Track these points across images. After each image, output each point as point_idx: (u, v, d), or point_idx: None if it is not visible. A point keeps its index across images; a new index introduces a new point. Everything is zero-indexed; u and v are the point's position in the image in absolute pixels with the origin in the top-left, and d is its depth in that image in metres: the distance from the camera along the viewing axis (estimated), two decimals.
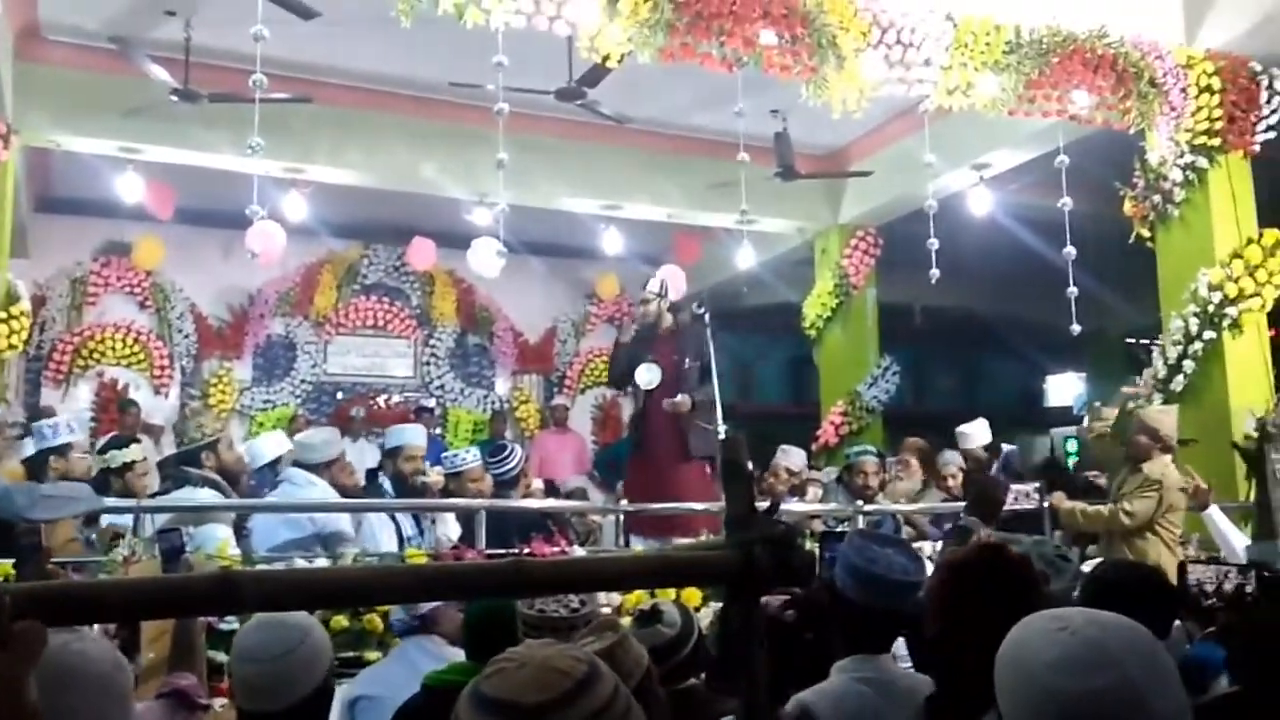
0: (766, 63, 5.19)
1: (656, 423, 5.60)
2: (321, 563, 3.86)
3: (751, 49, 5.12)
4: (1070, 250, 6.27)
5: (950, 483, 5.97)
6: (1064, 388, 13.22)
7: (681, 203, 8.34)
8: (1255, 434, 5.16)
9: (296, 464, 4.57)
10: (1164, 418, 4.80)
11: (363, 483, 4.88)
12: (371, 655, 3.46)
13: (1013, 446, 6.27)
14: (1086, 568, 3.05)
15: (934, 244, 6.46)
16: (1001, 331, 11.81)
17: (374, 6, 4.72)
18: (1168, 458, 4.69)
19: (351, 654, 3.41)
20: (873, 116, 6.52)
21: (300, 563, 3.78)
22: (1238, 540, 4.05)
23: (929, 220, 6.57)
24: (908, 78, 5.47)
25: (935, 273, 6.36)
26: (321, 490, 4.43)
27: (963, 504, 4.48)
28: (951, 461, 6.08)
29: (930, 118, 6.14)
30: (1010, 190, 7.70)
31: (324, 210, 7.78)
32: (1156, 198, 6.16)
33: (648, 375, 5.49)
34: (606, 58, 5.05)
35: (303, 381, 9.66)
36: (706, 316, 5.58)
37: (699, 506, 5.06)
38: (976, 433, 6.24)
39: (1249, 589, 2.82)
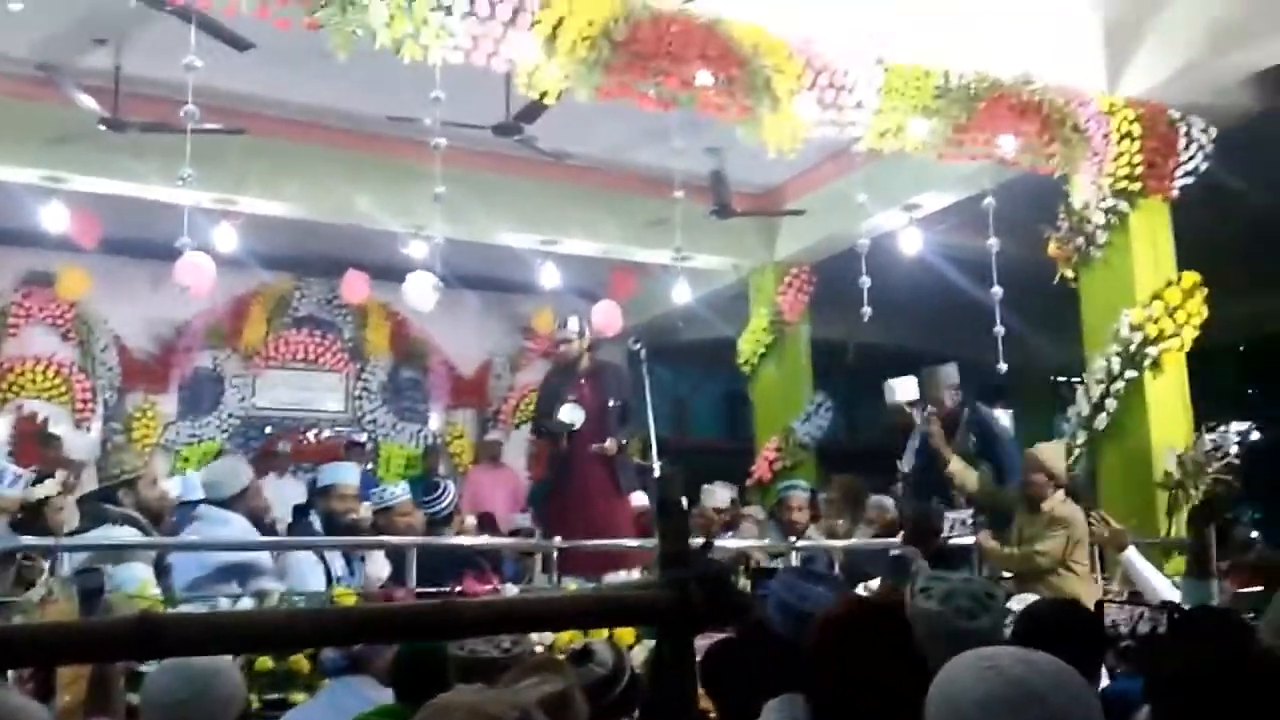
0: (702, 103, 5.27)
1: (583, 461, 5.63)
2: (247, 603, 3.77)
3: (688, 89, 5.20)
4: (997, 290, 6.42)
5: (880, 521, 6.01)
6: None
7: (618, 238, 8.40)
8: (1178, 471, 5.33)
9: (208, 501, 4.45)
10: (1053, 455, 4.87)
11: (289, 518, 4.79)
12: (298, 697, 3.38)
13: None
14: (1015, 605, 3.11)
15: (866, 282, 6.59)
16: None
17: (310, 39, 4.70)
18: (1062, 493, 4.78)
19: (277, 695, 3.33)
20: (807, 157, 6.64)
21: (225, 603, 3.69)
22: (1158, 581, 4.14)
23: (861, 259, 6.69)
24: (840, 120, 5.59)
25: (867, 310, 6.48)
26: (239, 526, 4.32)
27: (894, 540, 4.56)
28: (879, 506, 6.10)
29: (862, 159, 6.28)
30: (940, 231, 7.88)
31: (255, 242, 7.67)
32: (1080, 240, 6.36)
33: (572, 415, 5.53)
34: (544, 94, 5.09)
35: (230, 416, 9.47)
36: (643, 353, 5.63)
37: (633, 543, 5.06)
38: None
39: (1160, 629, 2.90)
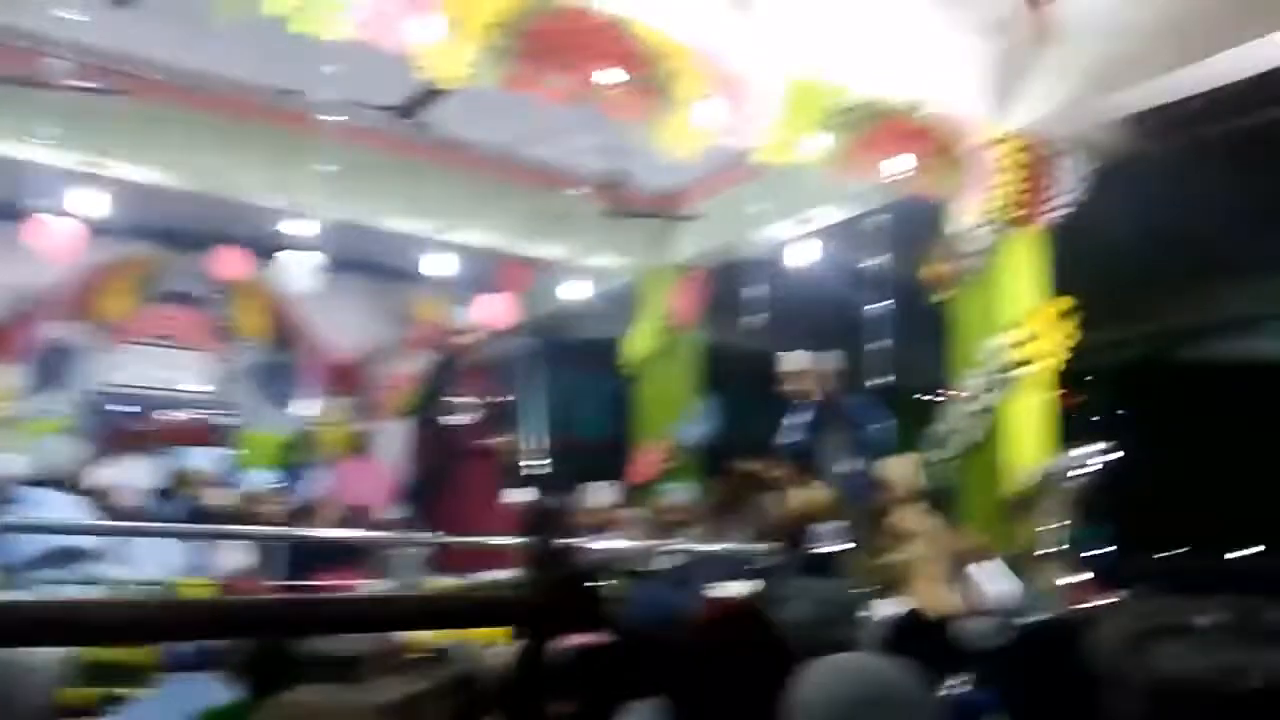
0: (604, 101, 5.29)
1: (466, 455, 5.60)
2: (83, 591, 3.62)
3: (591, 86, 5.21)
4: (880, 305, 6.64)
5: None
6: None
7: (513, 231, 8.34)
8: (1033, 488, 5.60)
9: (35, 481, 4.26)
10: (900, 470, 5.10)
11: (142, 502, 4.62)
12: (139, 692, 3.26)
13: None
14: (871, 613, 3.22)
15: (758, 291, 6.72)
16: None
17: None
18: (910, 507, 4.99)
19: (117, 690, 3.20)
20: (706, 163, 6.73)
21: (68, 590, 3.54)
22: (1010, 593, 4.36)
23: (755, 267, 6.82)
24: (741, 129, 5.67)
25: (756, 318, 6.62)
26: (66, 507, 4.13)
27: (765, 545, 4.68)
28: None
29: (761, 170, 6.40)
30: (832, 245, 8.09)
31: (124, 209, 7.35)
32: (956, 263, 6.62)
33: (461, 407, 5.51)
34: (445, 80, 5.03)
35: (86, 392, 9.05)
36: (533, 349, 5.64)
37: (502, 541, 5.06)
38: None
39: (1011, 641, 3.05)
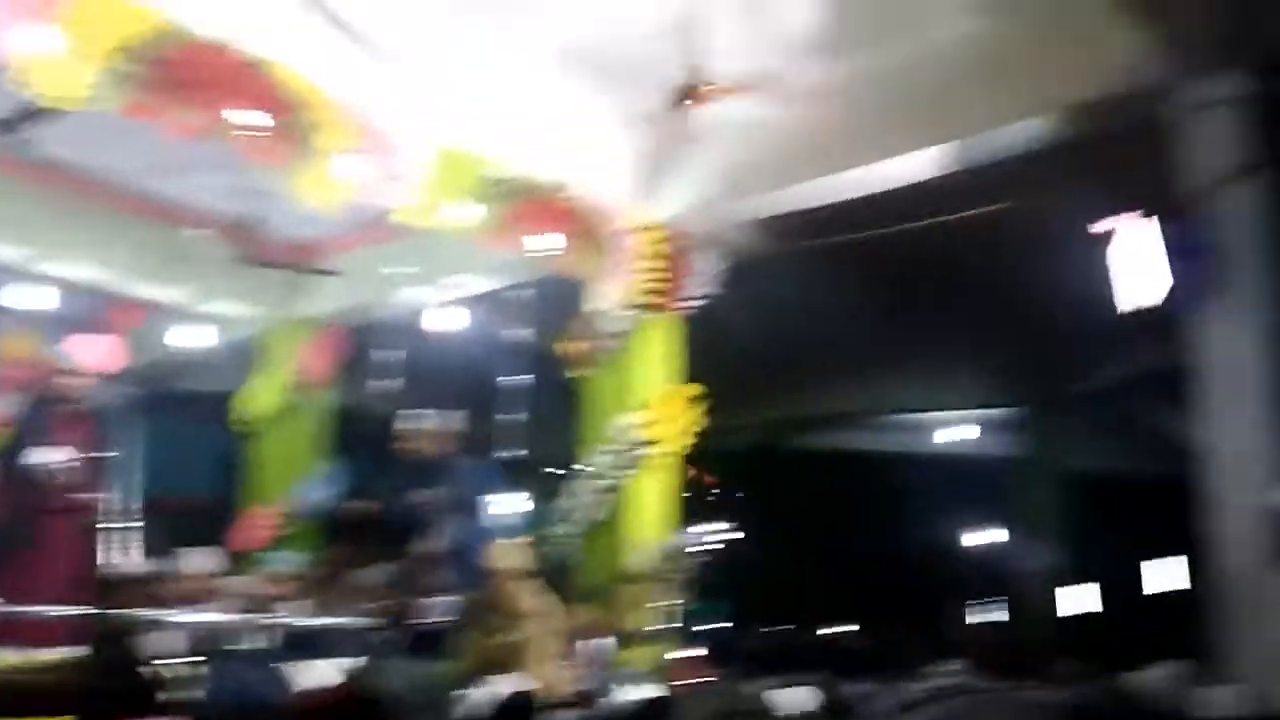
0: (239, 141, 5.16)
1: (53, 513, 5.14)
2: None
3: (224, 124, 5.07)
4: (518, 377, 6.93)
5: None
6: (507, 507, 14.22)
7: (125, 268, 7.80)
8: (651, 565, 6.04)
9: None
10: (507, 554, 5.40)
11: None
12: None
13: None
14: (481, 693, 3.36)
15: (394, 353, 6.77)
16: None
17: None
18: (523, 586, 5.27)
19: None
20: (351, 217, 6.72)
21: None
22: (612, 670, 4.65)
23: (393, 330, 6.86)
24: (384, 189, 5.74)
25: (390, 381, 6.66)
26: None
27: (368, 620, 4.68)
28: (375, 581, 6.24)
29: (404, 231, 6.50)
30: (478, 313, 8.31)
31: None
32: (594, 342, 7.07)
33: (47, 458, 5.08)
34: (55, 98, 4.69)
35: None
36: (136, 399, 5.33)
37: (73, 613, 4.66)
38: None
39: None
